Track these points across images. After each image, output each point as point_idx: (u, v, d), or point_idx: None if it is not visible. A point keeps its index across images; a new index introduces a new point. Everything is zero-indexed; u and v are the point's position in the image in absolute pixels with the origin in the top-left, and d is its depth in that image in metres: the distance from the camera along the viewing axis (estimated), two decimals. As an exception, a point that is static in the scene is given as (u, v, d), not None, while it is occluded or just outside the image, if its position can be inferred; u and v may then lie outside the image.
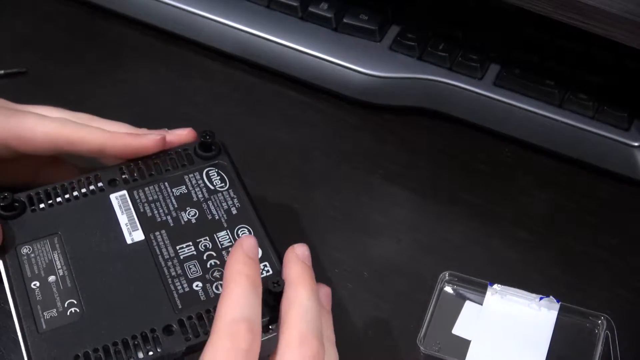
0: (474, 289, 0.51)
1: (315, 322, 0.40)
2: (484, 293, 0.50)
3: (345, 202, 0.55)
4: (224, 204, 0.47)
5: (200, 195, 0.47)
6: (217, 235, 0.45)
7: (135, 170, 0.48)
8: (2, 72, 0.62)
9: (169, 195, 0.47)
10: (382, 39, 0.62)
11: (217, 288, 0.43)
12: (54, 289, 0.43)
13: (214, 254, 0.45)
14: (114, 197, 0.47)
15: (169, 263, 0.44)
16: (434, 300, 0.50)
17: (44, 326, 0.42)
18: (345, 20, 0.62)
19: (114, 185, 0.47)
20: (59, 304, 0.43)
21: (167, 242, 0.45)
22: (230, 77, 0.64)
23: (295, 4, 0.63)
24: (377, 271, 0.53)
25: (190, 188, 0.47)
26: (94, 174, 0.48)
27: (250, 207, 0.47)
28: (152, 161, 0.48)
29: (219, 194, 0.47)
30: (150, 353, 0.41)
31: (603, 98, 0.57)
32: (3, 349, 0.49)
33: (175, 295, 0.43)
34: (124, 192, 0.47)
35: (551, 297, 0.49)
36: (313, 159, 0.58)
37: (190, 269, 0.44)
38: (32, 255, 0.45)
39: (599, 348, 0.48)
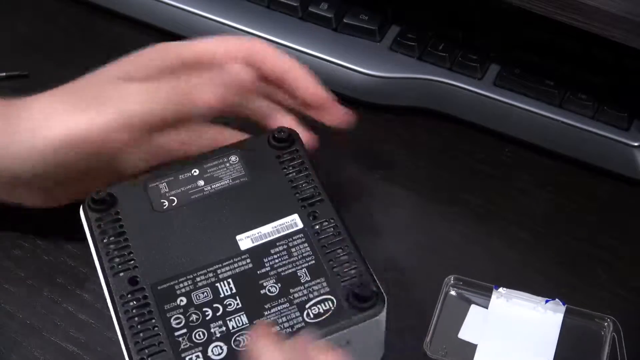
0: (479, 292, 0.50)
1: None
2: (489, 297, 0.50)
3: (345, 202, 0.55)
4: (284, 318, 0.44)
5: (297, 296, 0.44)
6: (241, 315, 0.44)
7: (329, 229, 0.47)
8: (4, 74, 0.62)
9: (296, 267, 0.46)
10: (382, 39, 0.62)
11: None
12: (189, 186, 0.48)
13: (218, 312, 0.44)
14: (294, 217, 0.47)
15: (209, 274, 0.45)
16: (440, 304, 0.50)
17: (151, 185, 0.48)
18: (345, 20, 0.62)
19: (310, 216, 0.47)
20: (172, 192, 0.48)
21: (236, 270, 0.46)
22: (230, 77, 0.64)
23: (295, 4, 0.63)
24: (377, 271, 0.53)
25: (304, 288, 0.45)
26: (322, 190, 0.49)
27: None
28: (343, 243, 0.47)
29: (297, 314, 0.44)
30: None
31: (603, 98, 0.57)
32: (3, 349, 0.49)
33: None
34: (302, 226, 0.47)
35: (557, 299, 0.49)
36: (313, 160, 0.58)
37: (201, 293, 0.45)
38: (226, 164, 0.49)
39: (606, 350, 0.48)
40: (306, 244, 0.46)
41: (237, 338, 0.43)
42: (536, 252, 0.53)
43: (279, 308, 0.44)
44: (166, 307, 0.44)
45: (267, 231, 0.47)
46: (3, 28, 0.67)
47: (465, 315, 0.50)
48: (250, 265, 0.45)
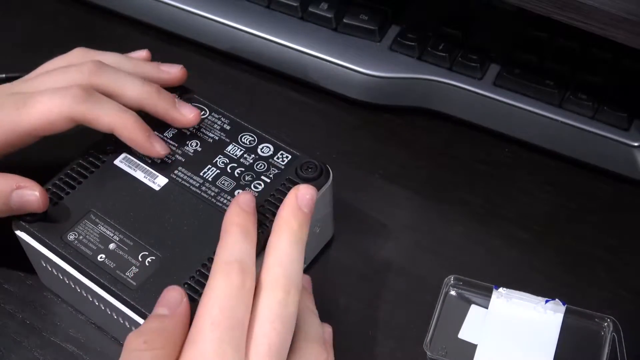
0: (479, 292, 0.50)
1: (290, 270, 0.42)
2: (489, 297, 0.50)
3: (345, 202, 0.55)
4: (215, 125, 0.51)
5: (190, 129, 0.51)
6: (226, 151, 0.50)
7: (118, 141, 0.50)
8: (3, 76, 0.62)
9: (163, 140, 0.50)
10: (382, 39, 0.62)
11: (255, 187, 0.48)
12: (121, 253, 0.46)
13: (235, 165, 0.49)
14: (118, 162, 0.50)
15: (203, 187, 0.48)
16: (440, 304, 0.50)
17: (134, 283, 0.45)
18: (345, 20, 0.62)
19: (112, 152, 0.50)
20: (133, 261, 0.46)
21: (189, 174, 0.49)
22: (230, 77, 0.64)
23: (295, 4, 0.63)
24: (378, 272, 0.53)
25: (175, 129, 0.51)
26: (90, 152, 0.51)
27: (239, 120, 0.52)
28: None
29: (205, 120, 0.52)
30: None
31: (603, 98, 0.57)
32: (3, 349, 0.49)
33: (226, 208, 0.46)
34: (124, 154, 0.50)
35: (557, 299, 0.49)
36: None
37: (223, 184, 0.49)
38: (81, 237, 0.47)
39: (606, 350, 0.48)
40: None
41: (262, 149, 0.50)
42: (536, 252, 0.53)
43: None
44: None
45: (142, 174, 0.50)
46: (3, 28, 0.68)
47: (465, 315, 0.50)
48: (183, 159, 0.50)
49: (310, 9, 0.63)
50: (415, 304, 0.51)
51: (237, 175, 0.49)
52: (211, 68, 0.64)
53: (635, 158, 0.56)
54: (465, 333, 0.49)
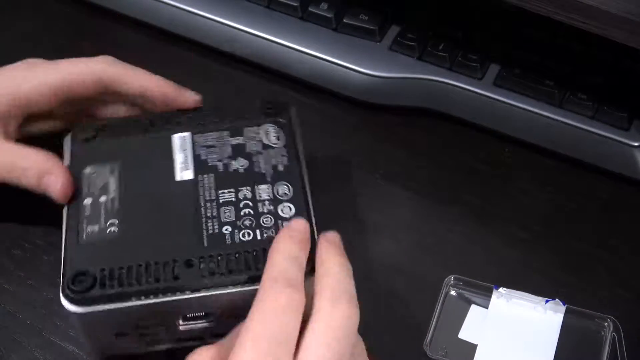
0: (480, 292, 0.50)
1: (347, 286, 0.41)
2: (490, 297, 0.50)
3: (345, 202, 0.55)
4: (273, 159, 0.49)
5: (254, 148, 0.49)
6: (258, 187, 0.48)
7: (202, 116, 0.51)
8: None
9: (226, 143, 0.50)
10: (382, 39, 0.62)
11: (243, 235, 0.46)
12: (102, 209, 0.47)
13: (250, 204, 0.47)
14: (176, 137, 0.50)
15: (208, 204, 0.47)
16: (440, 304, 0.50)
17: (84, 238, 0.46)
18: (345, 20, 0.62)
19: (179, 125, 0.51)
20: (102, 221, 0.47)
21: (212, 185, 0.48)
22: (230, 77, 0.64)
23: (295, 4, 0.63)
24: (378, 272, 0.53)
25: (247, 140, 0.50)
26: (164, 113, 0.52)
27: (297, 167, 0.49)
28: (219, 110, 0.52)
29: (272, 150, 0.49)
30: (172, 280, 0.44)
31: (603, 98, 0.57)
32: (3, 349, 0.49)
33: (205, 234, 0.46)
34: (188, 133, 0.50)
35: (557, 299, 0.49)
36: (313, 159, 0.58)
37: (225, 213, 0.47)
38: (93, 175, 0.49)
39: (606, 350, 0.48)
40: (208, 133, 0.50)
41: (280, 194, 0.47)
42: (536, 252, 0.53)
43: (262, 161, 0.49)
44: (228, 242, 0.46)
45: (182, 157, 0.49)
46: (3, 28, 0.67)
47: (465, 315, 0.50)
48: (212, 174, 0.49)
49: (310, 9, 0.63)
50: (415, 304, 0.51)
51: (241, 214, 0.46)
52: (211, 68, 0.64)
53: (635, 158, 0.56)
54: (465, 333, 0.49)
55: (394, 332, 0.50)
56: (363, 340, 0.49)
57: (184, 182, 0.48)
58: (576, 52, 0.59)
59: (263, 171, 0.48)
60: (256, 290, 0.41)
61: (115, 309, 0.44)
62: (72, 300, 0.43)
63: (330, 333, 0.39)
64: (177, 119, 0.51)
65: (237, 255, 0.45)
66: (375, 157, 0.59)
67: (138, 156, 0.50)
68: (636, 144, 0.56)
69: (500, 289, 0.50)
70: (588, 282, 0.52)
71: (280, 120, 0.51)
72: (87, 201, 0.48)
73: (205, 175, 0.48)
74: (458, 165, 0.58)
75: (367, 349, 0.43)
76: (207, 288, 0.44)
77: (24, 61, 0.53)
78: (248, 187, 0.47)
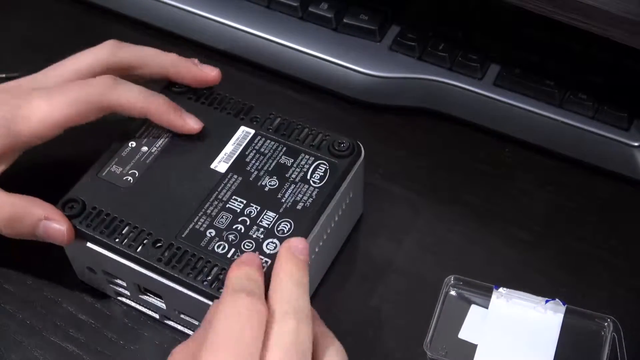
0: (480, 292, 0.50)
1: (297, 302, 0.41)
2: (490, 297, 0.50)
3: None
4: (299, 195, 0.48)
5: (293, 176, 0.49)
6: (266, 212, 0.47)
7: (277, 123, 0.51)
8: (3, 75, 0.62)
9: (275, 157, 0.50)
10: (382, 39, 0.62)
11: (218, 247, 0.46)
12: (136, 157, 0.50)
13: (247, 222, 0.47)
14: (242, 129, 0.51)
15: (215, 202, 0.48)
16: (440, 304, 0.50)
17: (104, 174, 0.49)
18: (345, 20, 0.62)
19: (253, 121, 0.52)
20: (127, 167, 0.49)
21: (233, 187, 0.49)
22: (230, 77, 0.64)
23: (295, 4, 0.63)
24: (378, 271, 0.53)
25: (294, 165, 0.50)
26: (248, 102, 0.52)
27: (315, 213, 0.47)
28: (295, 125, 0.51)
29: (306, 186, 0.49)
30: (134, 249, 0.46)
31: (603, 98, 0.57)
32: (3, 349, 0.49)
33: (190, 226, 0.47)
34: (253, 131, 0.51)
35: (557, 299, 0.49)
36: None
37: (221, 217, 0.47)
38: (153, 125, 0.51)
39: (606, 350, 0.48)
40: (269, 140, 0.51)
41: (278, 228, 0.47)
42: (536, 252, 0.53)
43: (289, 191, 0.48)
44: (202, 244, 0.46)
45: (231, 149, 0.50)
46: (2, 28, 0.67)
47: (465, 315, 0.50)
48: (241, 178, 0.49)
49: (310, 9, 0.63)
50: (415, 304, 0.51)
51: (232, 227, 0.47)
52: (211, 68, 0.64)
53: (635, 158, 0.56)
54: (465, 333, 0.49)
55: (394, 332, 0.50)
56: (362, 339, 0.49)
57: (214, 172, 0.49)
58: (576, 52, 0.59)
59: (282, 201, 0.48)
60: (193, 299, 0.44)
61: (82, 246, 0.47)
62: None
63: (281, 347, 0.39)
64: (257, 113, 0.52)
65: (199, 259, 0.45)
66: (375, 157, 0.59)
67: (202, 127, 0.51)
68: (636, 144, 0.56)
69: (500, 289, 0.50)
70: (588, 282, 0.52)
71: (337, 162, 0.50)
72: (132, 144, 0.50)
73: (235, 176, 0.49)
74: (458, 165, 0.58)
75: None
76: (154, 271, 0.46)
77: (20, 85, 0.51)
78: (258, 207, 0.48)
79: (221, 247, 0.46)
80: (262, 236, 0.46)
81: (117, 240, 0.46)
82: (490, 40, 0.61)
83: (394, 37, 0.61)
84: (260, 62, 0.64)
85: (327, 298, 0.51)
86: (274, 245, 0.46)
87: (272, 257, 0.45)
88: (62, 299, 0.51)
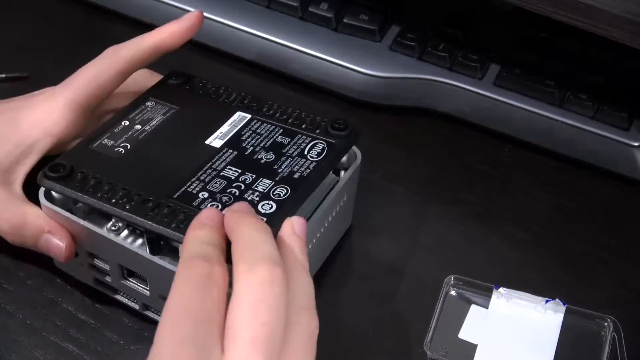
0: (480, 292, 0.50)
1: (262, 250, 0.37)
2: (490, 297, 0.50)
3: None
4: (296, 166, 0.48)
5: (290, 152, 0.49)
6: (262, 179, 0.47)
7: (274, 109, 0.52)
8: (3, 75, 0.62)
9: (272, 137, 0.50)
10: (382, 39, 0.62)
11: (210, 205, 0.45)
12: (129, 133, 0.50)
13: (242, 187, 0.46)
14: (238, 114, 0.51)
15: (209, 171, 0.47)
16: (440, 304, 0.50)
17: (95, 145, 0.49)
18: (345, 20, 0.62)
19: (249, 109, 0.52)
20: (119, 141, 0.49)
21: (228, 160, 0.48)
22: (230, 77, 0.64)
23: (295, 4, 0.63)
24: (378, 272, 0.53)
25: (291, 143, 0.49)
26: (245, 93, 0.53)
27: (312, 183, 0.47)
28: (292, 111, 0.52)
29: (303, 160, 0.48)
30: (125, 207, 0.45)
31: (603, 98, 0.57)
32: (3, 349, 0.49)
33: (182, 189, 0.46)
34: (250, 116, 0.51)
35: (557, 299, 0.49)
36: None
37: (215, 182, 0.46)
38: (149, 108, 0.52)
39: (606, 350, 0.48)
40: (265, 124, 0.51)
41: (274, 192, 0.46)
42: (536, 252, 0.53)
43: (286, 164, 0.48)
44: (194, 203, 0.45)
45: (227, 129, 0.50)
46: (3, 28, 0.67)
47: (465, 315, 0.50)
48: (236, 152, 0.49)
49: (310, 9, 0.63)
50: (415, 304, 0.51)
51: (225, 191, 0.46)
52: (211, 68, 0.64)
53: (635, 158, 0.56)
54: (465, 333, 0.49)
55: (394, 332, 0.50)
56: (362, 339, 0.49)
57: (208, 147, 0.49)
58: (576, 52, 0.59)
59: (279, 171, 0.47)
60: None
61: (68, 219, 0.47)
62: (40, 178, 0.47)
63: (252, 301, 0.35)
64: (254, 102, 0.52)
65: (190, 216, 0.43)
66: (375, 157, 0.59)
67: (196, 112, 0.51)
68: (636, 144, 0.56)
69: (500, 289, 0.50)
70: (588, 282, 0.52)
71: (334, 141, 0.49)
72: (125, 123, 0.50)
73: (230, 150, 0.49)
74: (458, 165, 0.58)
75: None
76: (143, 220, 0.44)
77: (33, 100, 0.51)
78: (254, 175, 0.47)
79: (214, 207, 0.45)
80: (257, 199, 0.46)
81: (104, 197, 0.45)
82: (490, 40, 0.61)
83: (394, 37, 0.61)
84: (260, 62, 0.64)
85: (327, 298, 0.51)
86: (270, 206, 0.45)
87: (267, 216, 0.44)
88: (62, 299, 0.51)
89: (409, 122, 0.61)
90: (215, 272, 0.36)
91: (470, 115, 0.60)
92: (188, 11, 0.65)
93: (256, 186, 0.46)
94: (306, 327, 0.37)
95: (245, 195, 0.46)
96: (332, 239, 0.53)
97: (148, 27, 0.66)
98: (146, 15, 0.66)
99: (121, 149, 0.49)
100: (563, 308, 0.49)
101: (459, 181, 0.57)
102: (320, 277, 0.52)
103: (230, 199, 0.45)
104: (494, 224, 0.55)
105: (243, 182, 0.47)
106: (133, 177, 0.47)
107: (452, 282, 0.51)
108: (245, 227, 0.39)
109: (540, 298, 0.49)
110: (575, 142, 0.57)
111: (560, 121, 0.57)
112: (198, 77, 0.54)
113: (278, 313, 0.35)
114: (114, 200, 0.45)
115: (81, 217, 0.47)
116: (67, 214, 0.47)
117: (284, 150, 0.49)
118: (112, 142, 0.49)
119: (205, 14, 0.64)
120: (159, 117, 0.51)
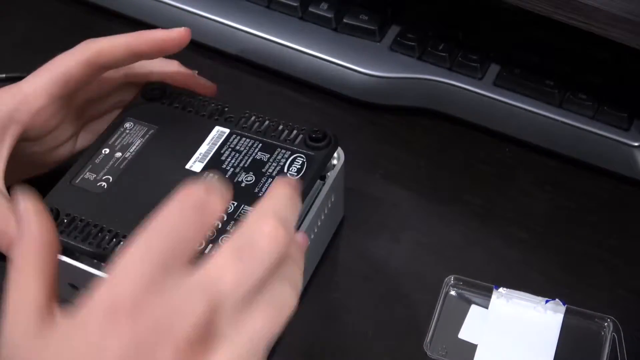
0: (480, 292, 0.50)
1: (282, 208, 0.35)
2: (490, 297, 0.50)
3: (345, 202, 0.55)
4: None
5: (270, 170, 0.49)
6: (244, 208, 0.47)
7: (251, 121, 0.51)
8: (3, 76, 0.62)
9: (251, 154, 0.50)
10: (382, 39, 0.62)
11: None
12: (110, 162, 0.50)
13: (224, 218, 0.46)
14: (217, 129, 0.51)
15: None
16: (440, 304, 0.50)
17: (77, 181, 0.49)
18: (345, 20, 0.62)
19: (228, 121, 0.51)
20: (101, 174, 0.49)
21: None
22: (230, 77, 0.64)
23: (295, 4, 0.63)
24: (378, 271, 0.53)
25: (271, 160, 0.49)
26: (222, 103, 0.52)
27: None
28: (271, 121, 0.51)
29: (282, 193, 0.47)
30: (110, 251, 0.45)
31: (603, 98, 0.57)
32: (3, 349, 0.49)
33: None
34: (228, 130, 0.51)
35: (557, 299, 0.49)
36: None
37: None
38: (129, 131, 0.51)
39: (606, 350, 0.48)
40: (244, 139, 0.50)
41: None
42: (536, 252, 0.53)
43: (267, 185, 0.48)
44: None
45: (206, 149, 0.50)
46: (3, 28, 0.67)
47: (465, 315, 0.50)
48: (216, 177, 0.48)
49: (310, 9, 0.63)
50: (415, 304, 0.51)
51: (216, 225, 0.46)
52: (211, 68, 0.64)
53: (635, 158, 0.56)
54: (465, 333, 0.49)
55: (394, 332, 0.50)
56: (362, 339, 0.49)
57: (189, 172, 0.49)
58: (576, 52, 0.59)
59: (260, 195, 0.47)
60: None
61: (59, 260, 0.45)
62: None
63: (244, 242, 0.33)
64: (232, 113, 0.52)
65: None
66: (375, 157, 0.59)
67: (175, 131, 0.51)
68: (636, 144, 0.56)
69: (500, 289, 0.50)
70: (588, 282, 0.52)
71: (313, 154, 0.49)
72: (105, 151, 0.50)
73: (210, 175, 0.48)
74: (458, 165, 0.58)
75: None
76: None
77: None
78: (235, 203, 0.47)
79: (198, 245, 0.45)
80: None
81: (90, 243, 0.46)
82: (490, 40, 0.61)
83: (394, 37, 0.61)
84: (260, 62, 0.64)
85: (326, 298, 0.51)
86: None
87: None
88: (61, 298, 0.51)
89: (409, 122, 0.61)
90: (211, 202, 0.34)
91: (470, 115, 0.60)
92: (188, 11, 0.65)
93: (238, 215, 0.46)
94: (279, 297, 0.34)
95: (227, 227, 0.46)
96: (325, 237, 0.53)
97: (148, 27, 0.66)
98: (146, 15, 0.66)
99: (103, 183, 0.49)
100: (563, 308, 0.49)
101: (459, 181, 0.57)
102: (320, 277, 0.52)
103: (213, 233, 0.45)
104: (494, 224, 0.55)
105: (225, 212, 0.46)
106: (117, 216, 0.47)
107: (452, 282, 0.51)
108: (280, 193, 0.36)
109: (540, 298, 0.49)
110: (575, 142, 0.57)
111: (560, 121, 0.57)
112: (173, 88, 0.54)
113: (261, 264, 0.33)
114: (100, 246, 0.46)
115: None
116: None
117: (263, 170, 0.49)
118: (94, 175, 0.49)
119: (205, 14, 0.64)
120: (138, 141, 0.51)
